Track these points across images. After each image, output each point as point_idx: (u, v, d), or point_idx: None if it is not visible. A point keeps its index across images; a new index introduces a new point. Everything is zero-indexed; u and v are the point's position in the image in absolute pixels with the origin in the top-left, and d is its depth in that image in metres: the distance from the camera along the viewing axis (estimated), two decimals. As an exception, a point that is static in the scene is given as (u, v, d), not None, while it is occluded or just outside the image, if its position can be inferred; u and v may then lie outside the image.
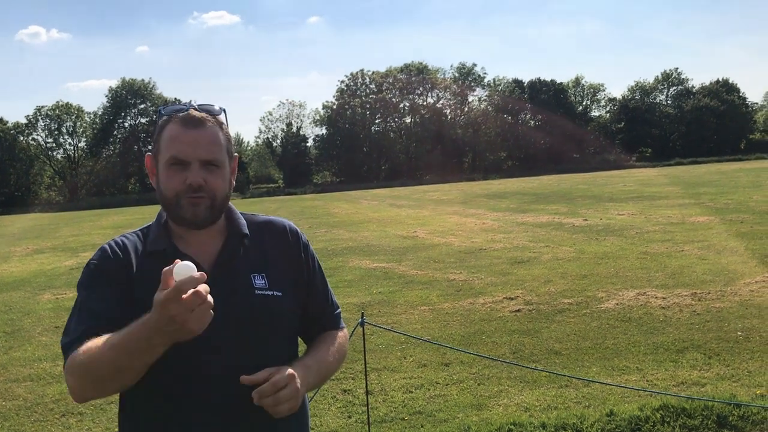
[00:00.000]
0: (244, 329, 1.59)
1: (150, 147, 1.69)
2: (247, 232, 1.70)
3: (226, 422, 1.55)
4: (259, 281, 1.65)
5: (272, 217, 1.81)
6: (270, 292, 1.64)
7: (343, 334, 1.84)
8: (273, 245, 1.72)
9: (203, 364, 1.54)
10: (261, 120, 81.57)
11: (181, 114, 1.61)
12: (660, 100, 67.29)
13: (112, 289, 1.57)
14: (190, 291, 1.29)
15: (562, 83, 65.95)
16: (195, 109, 1.62)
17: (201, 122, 1.60)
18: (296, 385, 1.50)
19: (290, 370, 1.52)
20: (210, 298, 1.32)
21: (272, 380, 1.47)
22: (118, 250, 1.63)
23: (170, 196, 1.60)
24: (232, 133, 1.74)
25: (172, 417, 1.55)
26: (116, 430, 1.74)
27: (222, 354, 1.55)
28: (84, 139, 60.70)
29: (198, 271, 1.58)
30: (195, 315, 1.30)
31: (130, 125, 61.01)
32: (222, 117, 1.66)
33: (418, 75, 64.73)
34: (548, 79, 65.30)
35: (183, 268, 1.33)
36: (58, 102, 59.53)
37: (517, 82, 65.47)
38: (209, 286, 1.58)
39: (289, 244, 1.75)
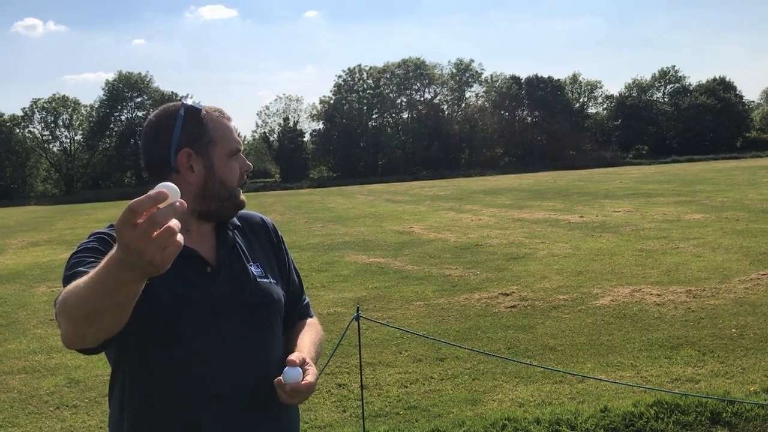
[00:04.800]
0: (252, 316, 1.63)
1: (180, 143, 1.59)
2: (239, 224, 1.74)
3: (235, 412, 1.57)
4: (257, 270, 1.69)
5: (245, 211, 1.81)
6: (267, 280, 1.70)
7: (317, 322, 1.91)
8: (255, 237, 1.78)
9: (213, 355, 1.55)
10: (258, 114, 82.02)
11: (213, 108, 1.67)
12: (657, 97, 67.26)
13: None
14: (146, 214, 1.08)
15: (559, 80, 65.84)
16: None
17: None
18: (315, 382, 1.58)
19: (314, 370, 1.58)
20: (174, 224, 1.09)
21: (308, 384, 1.53)
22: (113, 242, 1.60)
23: (234, 186, 1.65)
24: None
25: (179, 410, 1.54)
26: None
27: (235, 343, 1.58)
28: (80, 132, 60.51)
29: (206, 265, 1.60)
30: (154, 244, 1.08)
31: (127, 118, 60.79)
32: None
33: (415, 70, 64.58)
34: (546, 75, 65.21)
35: (170, 189, 1.09)
36: (54, 95, 59.40)
37: (515, 79, 65.33)
38: (216, 277, 1.60)
39: (269, 235, 1.81)
